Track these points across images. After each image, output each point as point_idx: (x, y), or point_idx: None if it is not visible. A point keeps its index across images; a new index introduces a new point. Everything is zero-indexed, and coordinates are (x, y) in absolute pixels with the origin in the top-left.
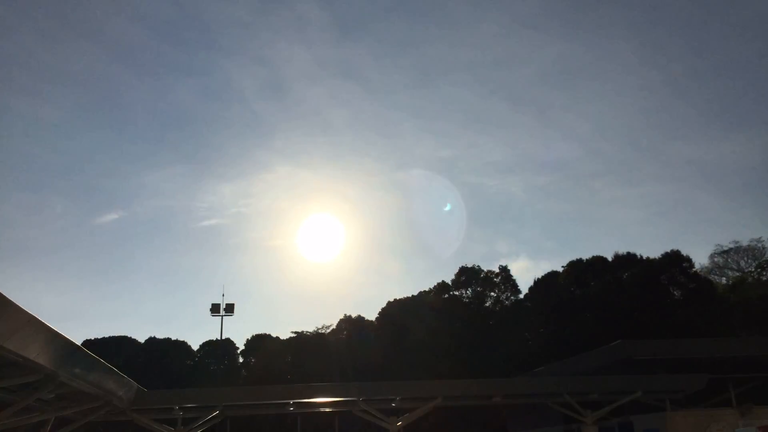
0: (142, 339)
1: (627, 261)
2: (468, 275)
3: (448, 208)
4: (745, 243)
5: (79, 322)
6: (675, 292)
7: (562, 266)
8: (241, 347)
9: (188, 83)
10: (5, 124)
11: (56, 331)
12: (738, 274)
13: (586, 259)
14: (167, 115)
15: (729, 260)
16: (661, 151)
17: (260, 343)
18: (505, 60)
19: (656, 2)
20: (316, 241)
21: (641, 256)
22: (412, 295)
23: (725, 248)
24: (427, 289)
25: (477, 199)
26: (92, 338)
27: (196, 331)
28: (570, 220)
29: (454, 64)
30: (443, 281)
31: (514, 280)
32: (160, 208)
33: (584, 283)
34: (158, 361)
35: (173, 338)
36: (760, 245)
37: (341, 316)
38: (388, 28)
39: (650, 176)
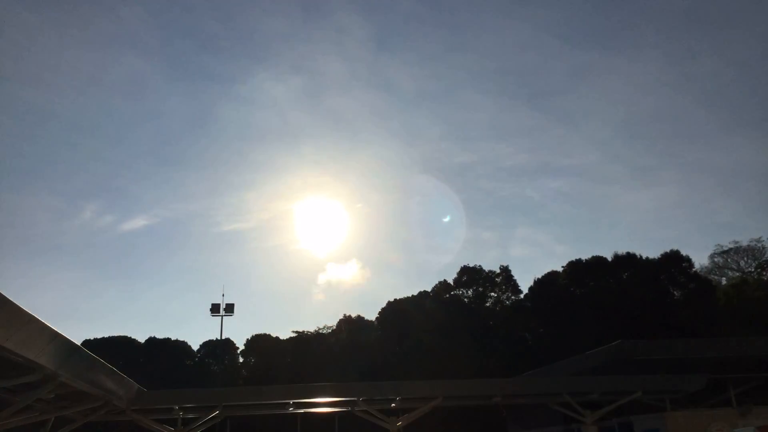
0: (142, 339)
1: (627, 261)
2: (469, 275)
3: (447, 219)
4: (745, 243)
5: (79, 322)
6: (675, 292)
7: (562, 266)
8: (241, 347)
9: (220, 91)
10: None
11: (56, 331)
12: (738, 274)
13: (586, 259)
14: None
15: (729, 260)
16: (664, 152)
17: (260, 343)
18: (526, 67)
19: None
20: (315, 241)
21: (641, 256)
22: (413, 295)
23: (725, 248)
24: (427, 289)
25: (488, 201)
26: (92, 338)
27: (196, 331)
28: (574, 220)
29: (480, 72)
30: (444, 281)
31: (514, 280)
32: (161, 211)
33: (584, 283)
34: (158, 361)
35: (173, 338)
36: (760, 245)
37: (341, 316)
38: (421, 38)
39: (650, 176)
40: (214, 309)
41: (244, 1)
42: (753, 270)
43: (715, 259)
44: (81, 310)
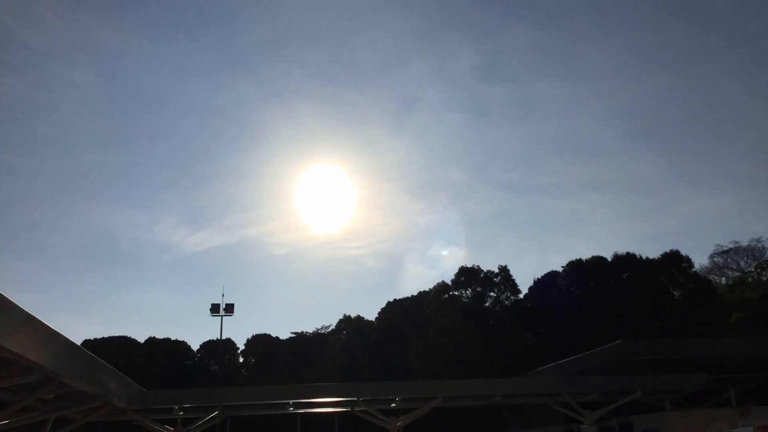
0: (142, 339)
1: (627, 261)
2: (468, 275)
3: (446, 252)
4: (745, 243)
5: (79, 322)
6: (675, 292)
7: (562, 266)
8: (241, 347)
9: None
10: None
11: (56, 331)
12: (738, 274)
13: (586, 259)
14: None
15: (729, 260)
16: (664, 151)
17: (260, 343)
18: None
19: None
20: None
21: (641, 256)
22: (412, 295)
23: (725, 248)
24: (426, 289)
25: (496, 203)
26: (92, 338)
27: (196, 331)
28: (572, 219)
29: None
30: (443, 281)
31: (513, 280)
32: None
33: (584, 283)
34: (158, 361)
35: (173, 338)
36: (759, 245)
37: (341, 316)
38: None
39: (650, 177)
40: (214, 309)
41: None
42: (753, 270)
43: (715, 259)
44: (81, 310)
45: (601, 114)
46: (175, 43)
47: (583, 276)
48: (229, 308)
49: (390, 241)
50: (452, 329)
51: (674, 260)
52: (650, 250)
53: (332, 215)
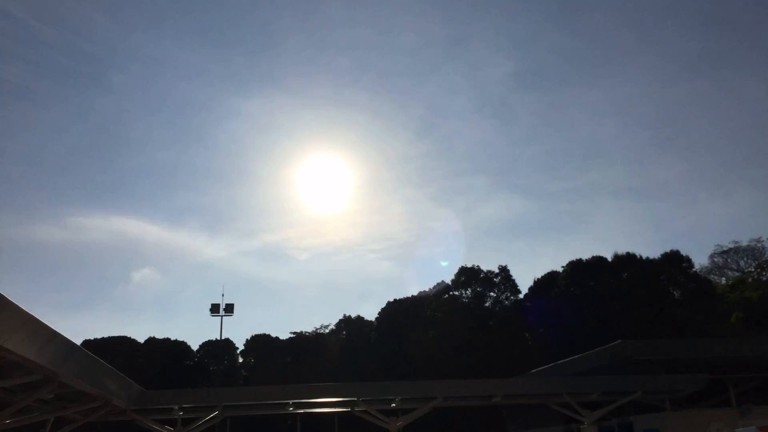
0: (142, 339)
1: (627, 261)
2: (468, 275)
3: (445, 264)
4: (745, 243)
5: (79, 322)
6: (675, 292)
7: (562, 266)
8: (241, 347)
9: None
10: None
11: (55, 332)
12: (738, 274)
13: (586, 259)
14: None
15: (729, 260)
16: (664, 151)
17: (260, 343)
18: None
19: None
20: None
21: (641, 256)
22: (412, 295)
23: (725, 248)
24: (426, 289)
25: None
26: (92, 338)
27: (196, 331)
28: (571, 219)
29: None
30: (443, 281)
31: (513, 280)
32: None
33: (584, 283)
34: (158, 361)
35: (173, 338)
36: (759, 245)
37: (341, 316)
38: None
39: (651, 176)
40: (214, 309)
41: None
42: (753, 270)
43: (715, 259)
44: (81, 310)
45: (625, 120)
46: (205, 51)
47: (583, 276)
48: (229, 308)
49: (405, 246)
50: (452, 329)
51: (674, 260)
52: (650, 250)
53: (351, 220)
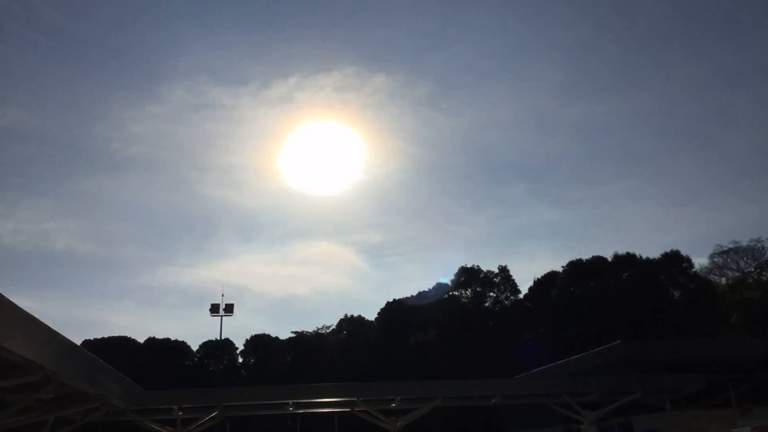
0: (142, 339)
1: (627, 261)
2: (467, 276)
3: (443, 281)
4: (745, 243)
5: (79, 322)
6: (675, 292)
7: (562, 266)
8: (241, 347)
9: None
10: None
11: (55, 332)
12: (738, 274)
13: (586, 259)
14: None
15: (729, 260)
16: (663, 150)
17: (260, 343)
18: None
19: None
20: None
21: (641, 256)
22: (412, 295)
23: (725, 248)
24: (426, 290)
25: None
26: (92, 338)
27: (195, 331)
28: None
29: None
30: (443, 281)
31: (513, 280)
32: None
33: (584, 283)
34: (158, 361)
35: (173, 338)
36: (759, 245)
37: (341, 316)
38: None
39: (651, 176)
40: (214, 309)
41: None
42: (753, 270)
43: (715, 259)
44: (81, 310)
45: (660, 130)
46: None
47: (583, 276)
48: (229, 308)
49: (406, 246)
50: (452, 329)
51: (674, 260)
52: (650, 250)
53: (377, 223)
